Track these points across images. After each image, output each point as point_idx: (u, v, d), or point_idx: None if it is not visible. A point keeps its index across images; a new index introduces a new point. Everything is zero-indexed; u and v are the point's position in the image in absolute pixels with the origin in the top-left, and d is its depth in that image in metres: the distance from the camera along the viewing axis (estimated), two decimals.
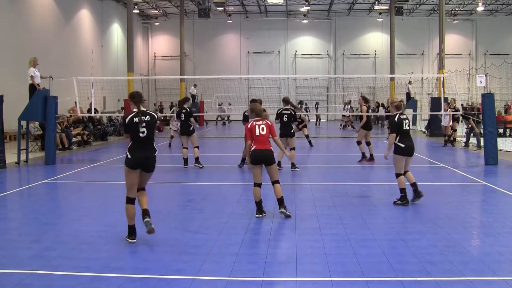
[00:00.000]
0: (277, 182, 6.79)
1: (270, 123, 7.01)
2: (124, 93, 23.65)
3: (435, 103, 20.67)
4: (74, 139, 17.07)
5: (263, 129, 6.87)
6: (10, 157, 12.71)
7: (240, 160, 11.85)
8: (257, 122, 6.95)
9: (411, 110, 27.36)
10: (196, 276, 4.48)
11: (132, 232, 5.55)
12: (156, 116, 5.69)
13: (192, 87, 32.61)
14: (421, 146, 17.30)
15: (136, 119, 5.52)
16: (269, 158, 6.77)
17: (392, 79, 31.96)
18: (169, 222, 6.50)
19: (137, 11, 37.50)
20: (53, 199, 8.66)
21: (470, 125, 16.00)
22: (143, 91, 36.58)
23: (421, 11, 38.68)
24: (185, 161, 11.83)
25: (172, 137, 17.27)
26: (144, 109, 5.65)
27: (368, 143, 12.90)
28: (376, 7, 36.56)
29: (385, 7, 35.61)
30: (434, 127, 21.33)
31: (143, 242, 5.54)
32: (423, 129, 23.48)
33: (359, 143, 12.92)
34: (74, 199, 8.43)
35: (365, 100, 13.71)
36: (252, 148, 6.83)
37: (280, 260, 4.96)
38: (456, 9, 37.30)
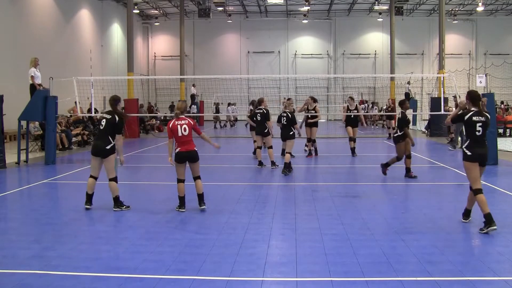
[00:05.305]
0: (199, 178, 7.09)
1: (192, 122, 7.00)
2: (124, 93, 23.64)
3: (435, 103, 20.68)
4: (74, 139, 17.06)
5: (185, 129, 6.89)
6: (10, 157, 12.70)
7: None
8: (179, 122, 6.91)
9: (411, 110, 27.40)
10: (196, 276, 4.47)
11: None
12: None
13: (192, 87, 32.56)
14: (421, 146, 17.30)
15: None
16: (194, 156, 6.98)
17: (392, 79, 31.97)
18: (169, 222, 6.50)
19: (137, 11, 37.50)
20: (53, 199, 8.65)
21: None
22: (143, 91, 36.71)
23: (421, 11, 38.68)
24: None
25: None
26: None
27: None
28: (376, 7, 36.60)
29: (385, 7, 35.62)
30: (434, 127, 21.34)
31: (143, 242, 5.55)
32: (423, 129, 23.47)
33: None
34: (74, 199, 8.41)
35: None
36: (177, 150, 6.91)
37: (280, 260, 4.96)
38: (456, 9, 37.31)
